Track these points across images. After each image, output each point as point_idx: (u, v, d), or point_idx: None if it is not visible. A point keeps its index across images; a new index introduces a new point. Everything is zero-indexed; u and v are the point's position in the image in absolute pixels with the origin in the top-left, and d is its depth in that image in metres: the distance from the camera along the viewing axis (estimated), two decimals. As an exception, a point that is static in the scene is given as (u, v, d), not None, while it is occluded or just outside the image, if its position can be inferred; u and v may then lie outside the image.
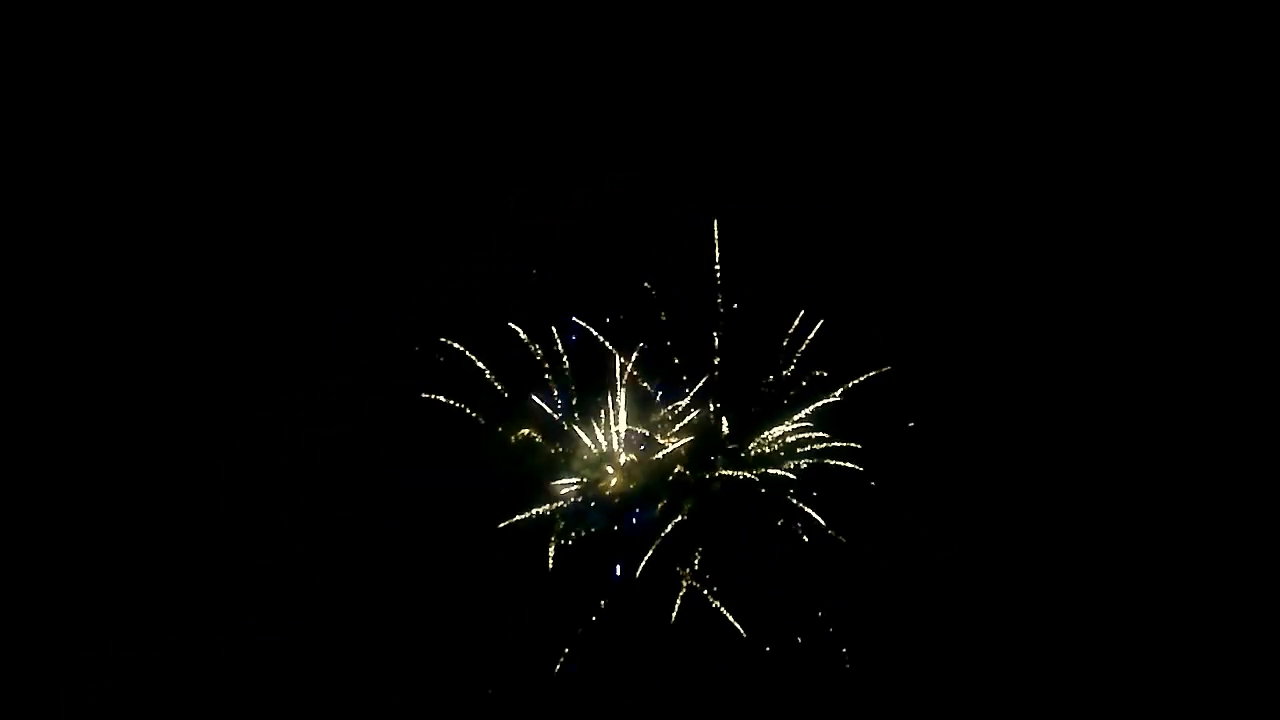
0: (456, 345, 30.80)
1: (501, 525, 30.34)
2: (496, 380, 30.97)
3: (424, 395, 30.68)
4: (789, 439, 31.72)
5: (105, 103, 31.38)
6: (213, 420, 31.55)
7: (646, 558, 30.46)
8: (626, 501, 31.18)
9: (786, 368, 31.80)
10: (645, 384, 31.51)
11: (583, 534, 30.80)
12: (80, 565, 30.59)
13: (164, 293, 31.58)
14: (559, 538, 30.65)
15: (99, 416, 31.16)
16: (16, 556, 30.08)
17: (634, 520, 31.10)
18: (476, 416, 30.92)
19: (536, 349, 31.03)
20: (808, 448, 31.53)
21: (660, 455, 31.62)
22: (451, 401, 30.80)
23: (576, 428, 31.30)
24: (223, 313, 31.83)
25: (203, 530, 31.10)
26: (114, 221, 31.40)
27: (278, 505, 31.16)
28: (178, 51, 31.53)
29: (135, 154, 31.45)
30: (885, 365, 31.86)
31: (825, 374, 31.79)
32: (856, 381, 31.76)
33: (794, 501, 31.15)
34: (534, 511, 30.54)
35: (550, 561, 30.50)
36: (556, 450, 31.28)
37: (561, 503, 30.91)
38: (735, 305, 31.64)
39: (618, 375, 31.15)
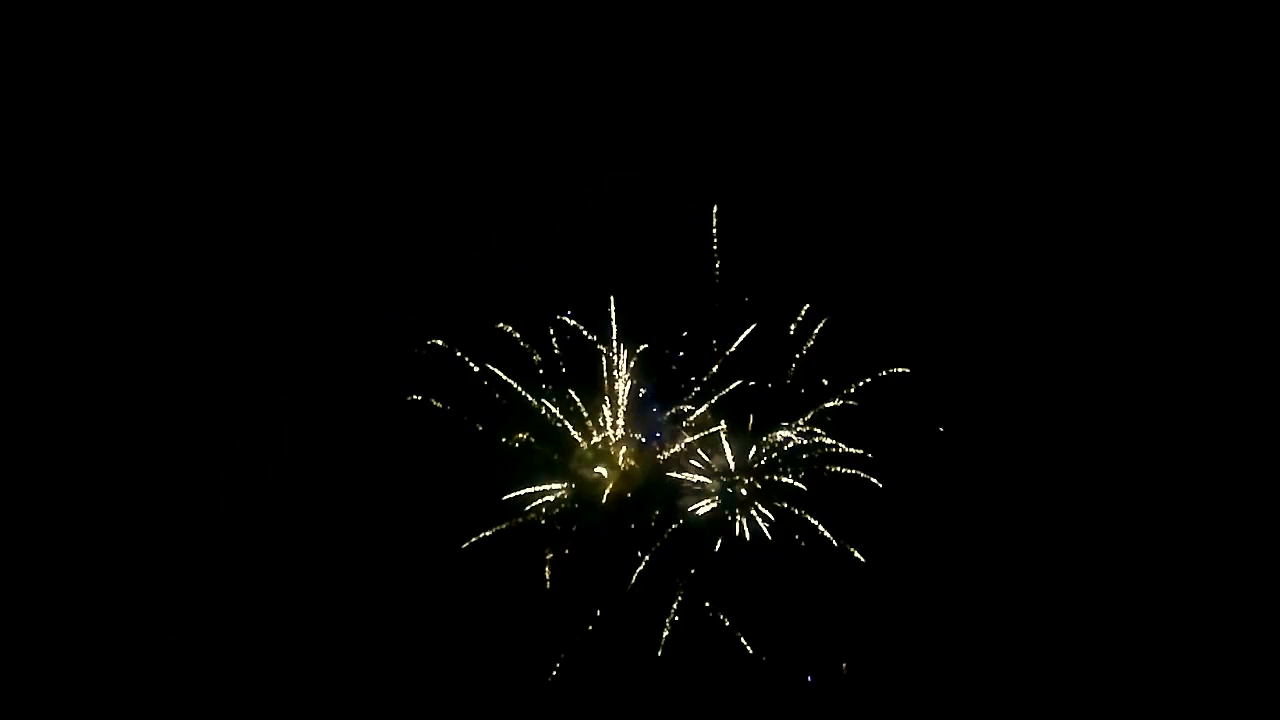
0: (454, 348, 30.57)
1: (496, 530, 30.05)
2: (495, 381, 30.72)
3: (411, 398, 30.43)
4: (794, 444, 31.16)
5: (106, 104, 31.60)
6: (213, 420, 31.51)
7: (643, 564, 30.08)
8: (624, 505, 30.73)
9: (792, 369, 31.28)
10: (643, 388, 31.10)
11: (576, 543, 30.42)
12: (80, 565, 30.65)
13: (165, 295, 31.66)
14: (556, 542, 30.33)
15: (99, 417, 31.24)
16: (17, 556, 30.11)
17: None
18: (474, 420, 30.65)
19: (534, 354, 30.75)
20: (805, 456, 30.94)
21: (660, 459, 31.19)
22: (447, 405, 30.58)
23: (574, 430, 30.95)
24: (223, 314, 31.85)
25: (202, 530, 31.05)
26: (114, 224, 31.55)
27: (277, 505, 31.08)
28: (178, 53, 31.63)
29: (135, 157, 31.61)
30: (899, 367, 31.24)
31: (834, 381, 31.20)
32: (867, 385, 31.15)
33: (797, 511, 30.57)
34: (528, 516, 30.22)
35: (546, 567, 30.14)
36: (555, 458, 30.92)
37: (558, 507, 30.54)
38: (739, 304, 31.21)
39: (617, 377, 30.85)
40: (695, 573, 30.17)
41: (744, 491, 30.75)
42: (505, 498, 30.07)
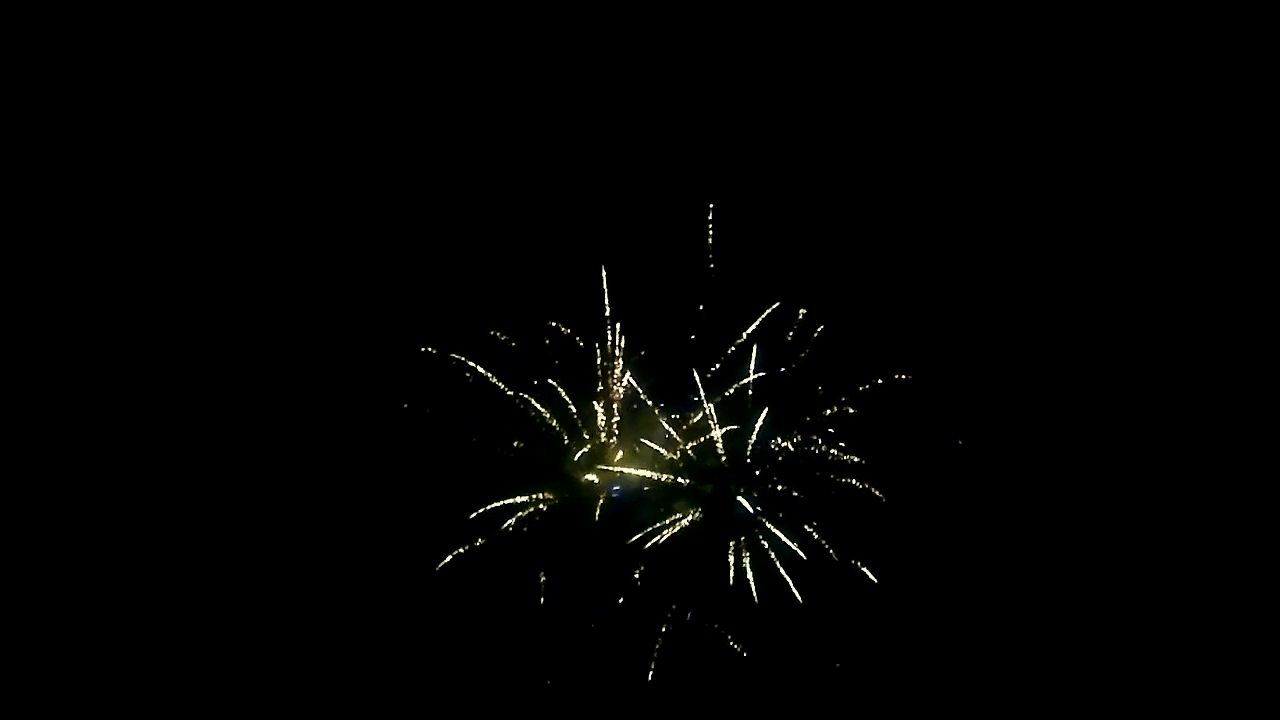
0: (449, 354, 30.24)
1: (488, 539, 29.88)
2: (490, 388, 30.39)
3: (405, 405, 30.16)
4: (793, 452, 30.61)
5: (107, 106, 31.36)
6: (205, 425, 31.41)
7: (637, 573, 29.81)
8: (617, 512, 30.34)
9: (791, 375, 30.68)
10: (640, 393, 30.60)
11: (569, 552, 30.14)
12: (80, 565, 30.74)
13: (158, 298, 31.49)
14: (548, 550, 30.08)
15: (99, 419, 31.22)
16: (17, 556, 30.25)
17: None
18: (467, 427, 30.36)
19: (529, 359, 30.37)
20: (804, 464, 30.39)
21: (655, 465, 30.70)
22: (441, 413, 30.31)
23: (568, 436, 30.56)
24: (215, 319, 31.61)
25: (193, 533, 31.01)
26: (110, 226, 31.36)
27: (271, 511, 31.02)
28: (179, 55, 31.32)
29: (133, 159, 31.39)
30: (904, 373, 30.56)
31: (834, 387, 30.62)
32: (867, 391, 30.52)
33: (783, 518, 30.10)
34: (521, 528, 30.00)
35: (541, 577, 29.94)
36: (549, 464, 30.61)
37: (552, 515, 30.24)
38: (737, 309, 30.58)
39: (612, 384, 30.41)
40: (689, 585, 29.84)
41: (742, 500, 30.26)
42: (496, 506, 29.79)
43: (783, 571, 29.67)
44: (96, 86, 31.44)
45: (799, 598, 29.34)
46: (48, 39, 31.22)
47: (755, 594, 29.57)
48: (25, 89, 31.15)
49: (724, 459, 30.42)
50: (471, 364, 30.26)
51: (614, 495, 30.00)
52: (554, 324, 30.31)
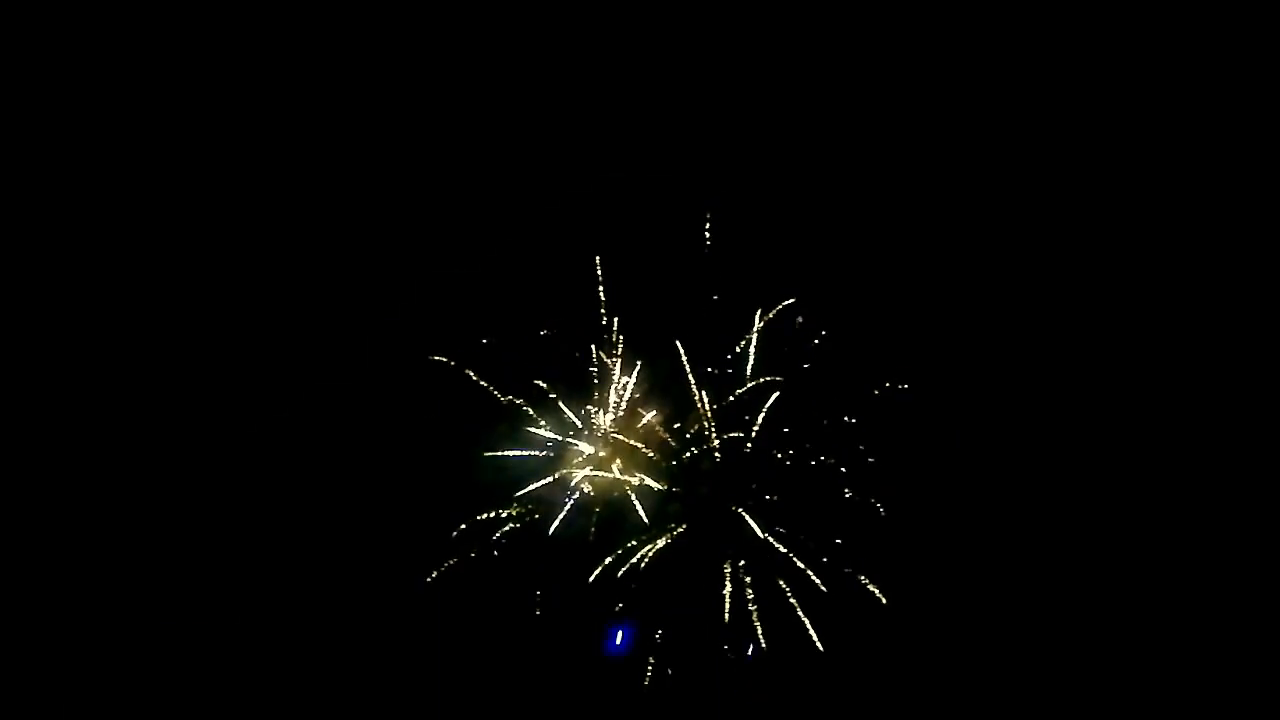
0: (444, 359, 29.94)
1: (481, 546, 29.73)
2: (484, 394, 30.09)
3: (398, 411, 29.98)
4: (788, 464, 30.19)
5: (106, 106, 30.99)
6: (209, 424, 31.30)
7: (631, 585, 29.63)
8: (612, 518, 30.08)
9: (787, 383, 30.16)
10: (635, 399, 30.21)
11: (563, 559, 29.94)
12: (79, 565, 30.84)
13: (166, 300, 31.27)
14: (542, 557, 29.89)
15: (98, 420, 31.11)
16: (17, 556, 30.36)
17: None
18: (462, 434, 30.10)
19: (524, 364, 30.02)
20: (801, 475, 29.97)
21: (651, 468, 30.30)
22: (434, 419, 30.09)
23: (565, 438, 30.23)
24: (221, 320, 31.39)
25: (199, 531, 30.99)
26: (114, 227, 31.12)
27: (272, 510, 30.94)
28: (182, 58, 30.93)
29: (128, 160, 31.05)
30: (902, 383, 30.02)
31: (831, 398, 30.11)
32: (866, 402, 30.03)
33: (786, 532, 29.72)
34: (513, 531, 29.81)
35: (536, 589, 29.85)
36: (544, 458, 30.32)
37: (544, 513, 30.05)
38: (733, 314, 30.08)
39: (609, 391, 30.05)
40: (680, 599, 29.61)
41: (739, 509, 29.90)
42: (489, 515, 29.61)
43: (781, 585, 29.42)
44: (96, 87, 31.15)
45: (805, 620, 29.10)
46: (48, 39, 30.91)
47: (754, 608, 29.40)
48: (25, 89, 30.92)
49: (719, 464, 30.08)
50: (466, 371, 30.04)
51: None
52: (546, 331, 29.87)
